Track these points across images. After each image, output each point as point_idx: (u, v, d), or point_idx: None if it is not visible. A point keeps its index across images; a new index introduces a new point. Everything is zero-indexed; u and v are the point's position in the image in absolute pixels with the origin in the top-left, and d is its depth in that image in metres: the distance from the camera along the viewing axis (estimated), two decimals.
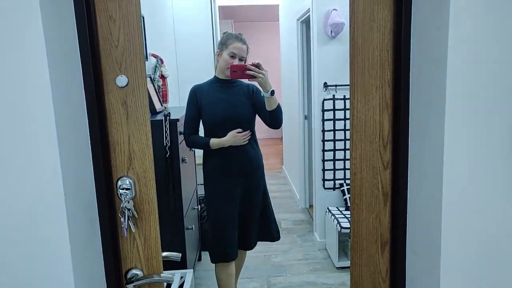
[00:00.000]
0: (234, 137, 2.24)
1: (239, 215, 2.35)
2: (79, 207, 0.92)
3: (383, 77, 1.00)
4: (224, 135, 2.26)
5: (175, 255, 1.17)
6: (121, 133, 1.03)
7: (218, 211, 2.32)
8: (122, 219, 1.01)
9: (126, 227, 1.01)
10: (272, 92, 2.13)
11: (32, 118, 0.82)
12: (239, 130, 2.26)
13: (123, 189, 1.02)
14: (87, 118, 0.99)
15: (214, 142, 2.27)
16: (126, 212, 1.01)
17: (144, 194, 1.05)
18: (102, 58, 1.01)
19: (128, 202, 1.01)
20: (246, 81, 2.26)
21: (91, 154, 1.00)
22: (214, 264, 2.40)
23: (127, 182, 1.03)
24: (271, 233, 2.49)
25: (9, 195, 0.84)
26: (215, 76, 2.35)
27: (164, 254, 1.14)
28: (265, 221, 2.46)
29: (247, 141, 2.28)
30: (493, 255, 0.91)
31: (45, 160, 0.84)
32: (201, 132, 2.40)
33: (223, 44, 2.27)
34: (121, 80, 1.01)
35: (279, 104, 2.23)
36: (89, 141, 0.99)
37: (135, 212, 1.03)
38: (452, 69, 0.82)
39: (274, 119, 2.24)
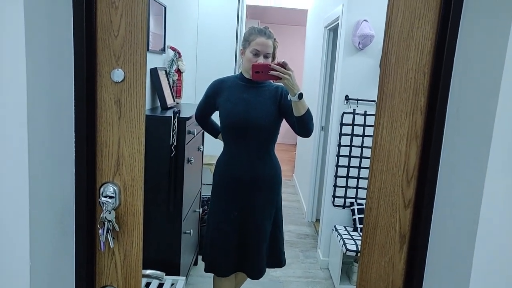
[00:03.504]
0: None
1: (242, 235, 2.08)
2: (50, 213, 0.81)
3: (415, 102, 0.87)
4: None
5: (159, 274, 1.05)
6: (111, 134, 0.92)
7: (220, 224, 2.09)
8: (100, 230, 0.90)
9: (103, 240, 0.90)
10: (300, 96, 1.83)
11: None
12: None
13: (106, 196, 0.91)
14: (73, 113, 0.88)
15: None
16: (106, 223, 0.89)
17: (129, 205, 0.93)
18: (98, 47, 0.89)
19: (110, 213, 0.89)
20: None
21: (74, 154, 0.88)
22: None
23: (112, 190, 0.91)
24: (279, 258, 2.22)
25: None
26: (240, 73, 2.11)
27: (147, 272, 1.02)
28: (274, 243, 2.18)
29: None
30: None
31: (10, 156, 0.72)
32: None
33: (245, 40, 2.02)
34: (117, 75, 0.90)
35: (308, 109, 1.91)
36: (74, 139, 0.88)
37: (116, 225, 0.91)
38: (504, 104, 0.68)
39: (302, 126, 1.94)
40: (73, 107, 0.88)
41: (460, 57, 0.81)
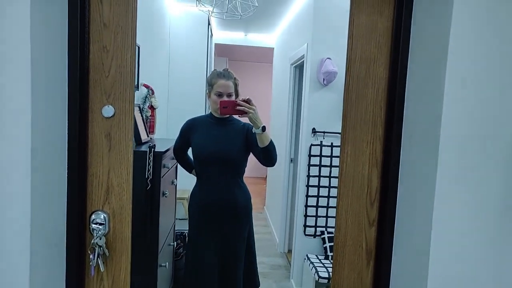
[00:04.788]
0: None
1: (221, 257, 2.23)
2: (45, 239, 0.87)
3: (375, 132, 0.99)
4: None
5: None
6: (101, 165, 0.99)
7: (199, 251, 2.22)
8: (91, 256, 0.95)
9: (94, 265, 0.95)
10: (263, 128, 2.05)
11: (6, 134, 0.78)
12: None
13: (96, 223, 0.97)
14: (67, 147, 0.95)
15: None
16: (97, 249, 0.95)
17: (118, 232, 1.00)
18: (90, 87, 0.98)
19: (100, 239, 0.96)
20: (237, 117, 2.22)
21: (66, 184, 0.95)
22: None
23: (102, 217, 0.98)
24: (254, 278, 2.37)
25: None
26: (210, 113, 2.32)
27: None
28: (248, 264, 2.34)
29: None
30: None
31: (14, 184, 0.79)
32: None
33: (209, 85, 2.25)
34: (107, 111, 0.98)
35: (271, 141, 2.13)
36: (67, 170, 0.95)
37: (106, 250, 0.97)
38: (446, 133, 0.81)
39: (266, 156, 2.15)
40: (67, 141, 0.95)
41: (410, 93, 0.95)
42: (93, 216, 0.98)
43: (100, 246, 0.95)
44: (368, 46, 0.96)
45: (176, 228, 3.21)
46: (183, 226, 3.41)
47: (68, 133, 0.95)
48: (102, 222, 0.98)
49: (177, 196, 3.19)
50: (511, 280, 0.86)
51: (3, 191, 0.79)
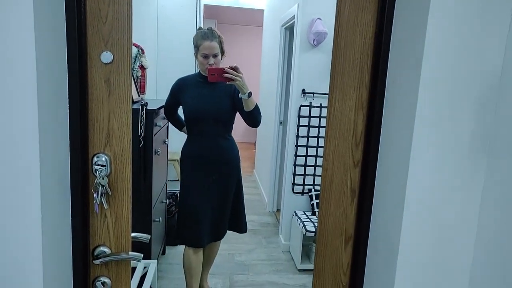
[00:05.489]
0: None
1: (212, 203, 2.39)
2: (52, 179, 0.92)
3: (361, 79, 1.05)
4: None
5: (144, 236, 1.18)
6: (102, 110, 1.04)
7: (191, 197, 2.37)
8: (95, 194, 1.01)
9: (98, 203, 1.02)
10: (249, 94, 2.20)
11: (15, 86, 0.82)
12: None
13: (98, 165, 1.03)
14: (67, 92, 0.99)
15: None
16: (100, 188, 1.01)
17: (119, 172, 1.06)
18: (88, 33, 1.01)
19: (103, 179, 1.02)
20: None
21: (68, 128, 1.00)
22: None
23: (103, 159, 1.03)
24: (241, 225, 2.57)
25: None
26: (199, 72, 2.42)
27: (133, 234, 1.14)
28: (237, 212, 2.53)
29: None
30: (448, 257, 0.97)
31: (24, 129, 0.84)
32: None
33: (195, 46, 2.34)
34: (106, 57, 1.02)
35: (256, 105, 2.29)
36: (68, 115, 0.99)
37: (108, 189, 1.03)
38: (425, 77, 0.87)
39: (251, 119, 2.32)
40: (67, 87, 0.99)
41: (395, 40, 1.00)
42: (95, 159, 1.03)
43: (103, 186, 1.01)
44: None
45: (168, 189, 3.30)
46: (175, 187, 3.51)
47: (68, 79, 0.99)
48: (104, 164, 1.03)
49: (168, 157, 3.25)
50: (475, 209, 0.95)
51: (14, 132, 0.83)
